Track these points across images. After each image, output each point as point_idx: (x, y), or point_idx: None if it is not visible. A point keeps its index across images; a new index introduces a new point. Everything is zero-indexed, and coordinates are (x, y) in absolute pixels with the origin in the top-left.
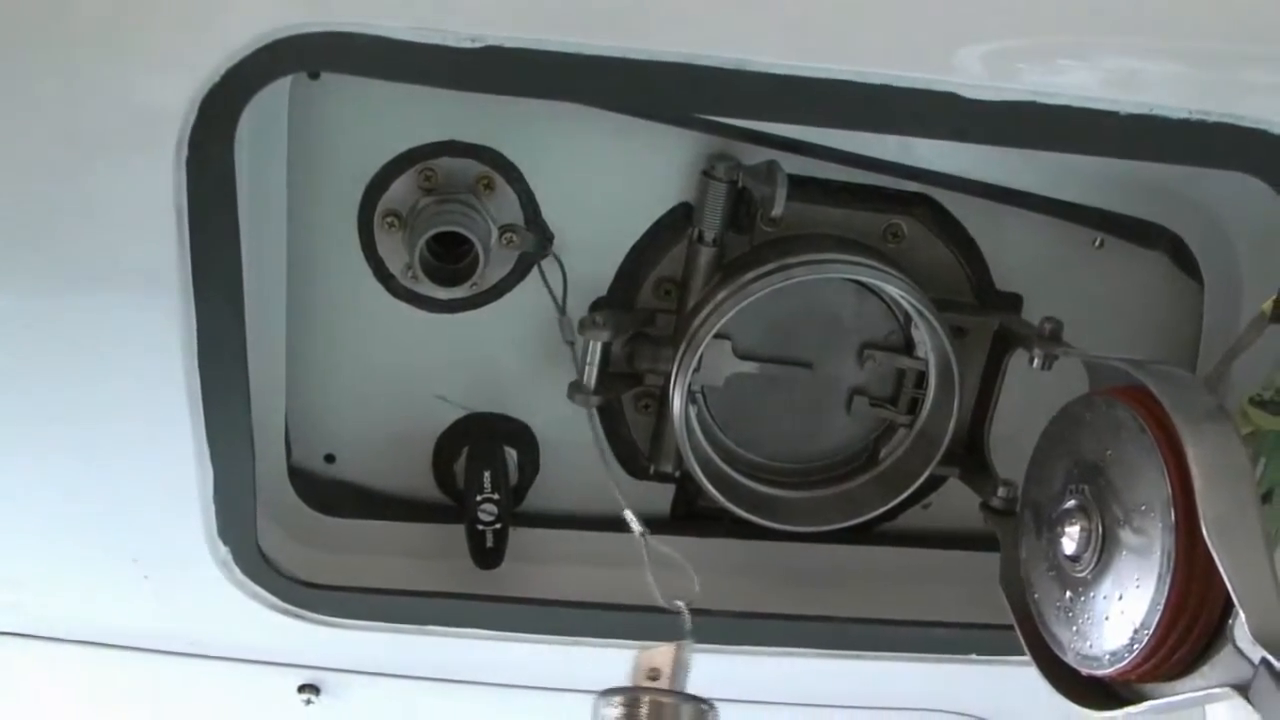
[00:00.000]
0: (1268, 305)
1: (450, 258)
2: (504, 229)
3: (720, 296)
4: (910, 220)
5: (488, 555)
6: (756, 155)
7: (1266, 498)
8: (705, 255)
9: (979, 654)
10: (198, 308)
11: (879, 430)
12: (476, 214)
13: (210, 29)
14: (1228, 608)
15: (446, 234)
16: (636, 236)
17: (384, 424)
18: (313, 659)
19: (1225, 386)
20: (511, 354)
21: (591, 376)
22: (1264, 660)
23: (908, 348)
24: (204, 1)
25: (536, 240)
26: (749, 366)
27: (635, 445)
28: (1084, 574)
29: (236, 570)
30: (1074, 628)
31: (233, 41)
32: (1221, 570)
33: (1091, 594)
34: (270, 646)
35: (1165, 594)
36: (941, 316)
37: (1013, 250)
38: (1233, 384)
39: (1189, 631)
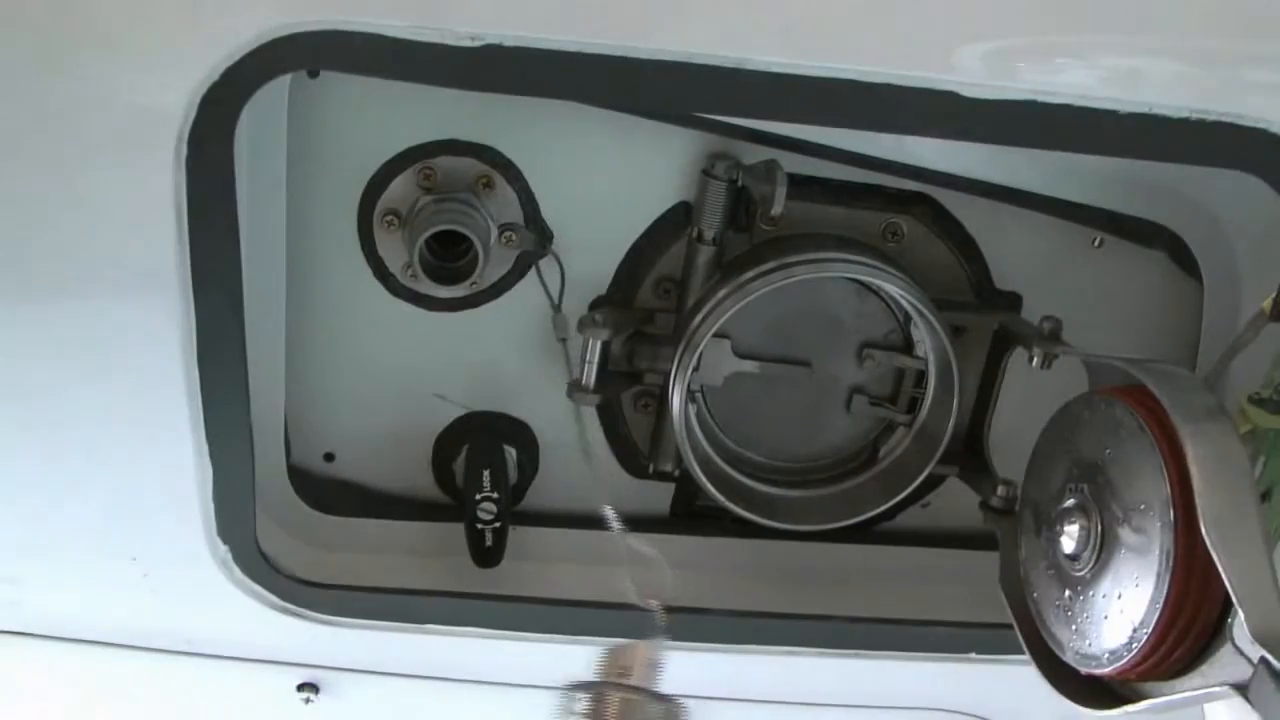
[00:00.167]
0: (1267, 303)
1: (450, 256)
2: (503, 228)
3: (720, 295)
4: (910, 219)
5: (487, 554)
6: (756, 154)
7: (1265, 496)
8: (705, 254)
9: (978, 653)
10: (197, 306)
11: (878, 429)
12: (476, 213)
13: (210, 27)
14: (1227, 607)
15: (446, 233)
16: (636, 235)
17: (383, 423)
18: (312, 658)
19: (1224, 385)
20: (511, 353)
21: (591, 375)
22: (1263, 659)
23: (907, 347)
24: (203, 0)
25: (536, 239)
26: (748, 365)
27: (635, 444)
28: (1083, 573)
29: (236, 569)
30: (1073, 627)
31: (232, 40)
32: (1220, 569)
33: (1091, 593)
34: (269, 645)
35: (1164, 593)
36: (941, 316)
37: (1012, 249)
38: (1231, 382)
39: (1188, 630)
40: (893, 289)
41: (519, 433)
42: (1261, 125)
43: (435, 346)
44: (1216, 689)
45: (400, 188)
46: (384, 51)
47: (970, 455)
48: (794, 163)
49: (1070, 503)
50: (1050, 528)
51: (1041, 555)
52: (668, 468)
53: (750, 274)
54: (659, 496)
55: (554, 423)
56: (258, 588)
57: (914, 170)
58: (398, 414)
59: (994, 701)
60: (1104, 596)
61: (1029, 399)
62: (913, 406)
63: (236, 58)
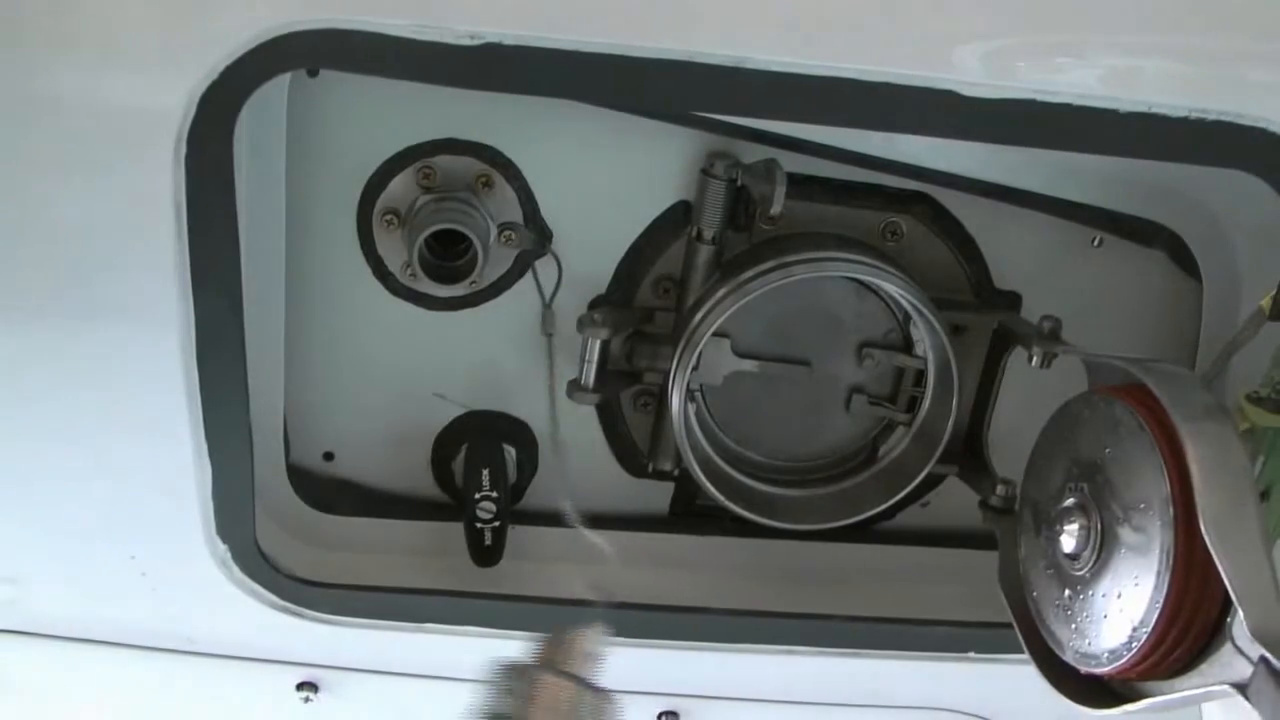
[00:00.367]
0: (1266, 301)
1: (449, 256)
2: (503, 227)
3: (719, 294)
4: (909, 219)
5: (486, 553)
6: (755, 153)
7: (1264, 495)
8: (704, 253)
9: (978, 652)
10: (196, 305)
11: (878, 428)
12: (475, 212)
13: (209, 26)
14: (1226, 606)
15: (445, 232)
16: (635, 234)
17: (383, 422)
18: (311, 657)
19: (1222, 383)
20: (510, 352)
21: (590, 375)
22: (1262, 658)
23: (907, 346)
24: None
25: (535, 238)
26: (748, 365)
27: (634, 444)
28: (1083, 572)
29: (235, 568)
30: (1073, 626)
31: (231, 39)
32: (1220, 568)
33: (1090, 592)
34: (268, 644)
35: (1164, 592)
36: (940, 315)
37: (1012, 249)
38: (1230, 381)
39: (1187, 629)
40: (892, 288)
41: (518, 432)
42: (1261, 124)
43: (434, 346)
44: (1216, 688)
45: (399, 187)
46: (383, 50)
47: (969, 454)
48: (794, 162)
49: (1070, 502)
50: (1050, 527)
51: (1041, 554)
52: (667, 467)
53: (750, 273)
54: (658, 496)
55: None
56: (257, 587)
57: (914, 170)
58: (397, 413)
59: (994, 701)
60: (1103, 595)
61: (1028, 398)
62: (912, 406)
63: (236, 57)
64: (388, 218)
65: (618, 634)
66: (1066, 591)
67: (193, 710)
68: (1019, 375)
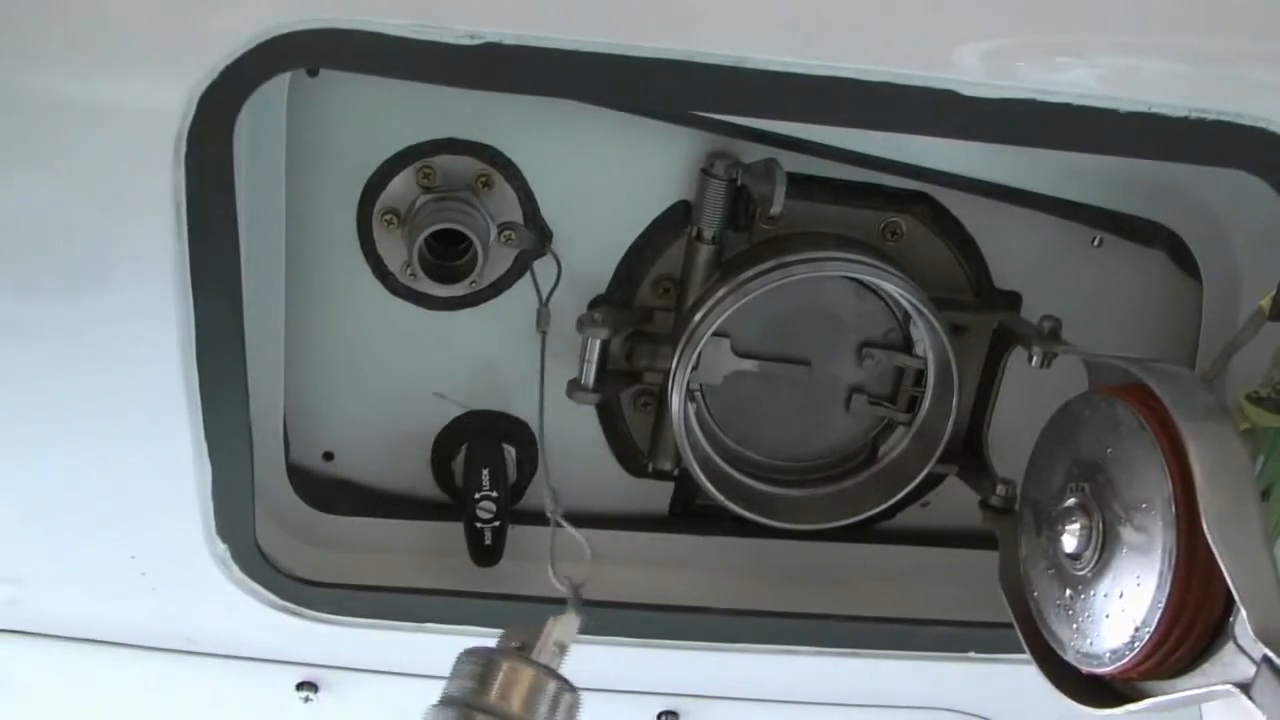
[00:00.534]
0: (1266, 302)
1: (449, 255)
2: (503, 227)
3: (719, 294)
4: (909, 218)
5: (486, 553)
6: (755, 153)
7: (1265, 495)
8: (704, 253)
9: (978, 652)
10: (196, 304)
11: (878, 428)
12: (475, 212)
13: (209, 26)
14: (1228, 605)
15: (445, 231)
16: (635, 234)
17: (383, 421)
18: (311, 657)
19: (1222, 383)
20: (510, 351)
21: (590, 374)
22: (1265, 658)
23: (906, 346)
24: None
25: (535, 238)
26: (748, 364)
27: (634, 443)
28: (1084, 572)
29: (235, 568)
30: (1074, 626)
31: (231, 38)
32: (1223, 568)
33: (1092, 592)
34: (268, 644)
35: (1167, 592)
36: (940, 315)
37: (1012, 248)
38: (1229, 381)
39: (1190, 629)
40: (892, 288)
41: (518, 432)
42: (1261, 124)
43: (434, 345)
44: (1219, 688)
45: (399, 186)
46: (383, 50)
47: (969, 454)
48: (793, 162)
49: (1071, 502)
50: (1051, 527)
51: (1042, 554)
52: (667, 466)
53: (750, 273)
54: (658, 496)
55: (553, 421)
56: (257, 586)
57: (913, 169)
58: (397, 413)
59: (994, 701)
60: (1105, 595)
61: (1028, 398)
62: (912, 405)
63: (235, 56)
64: (387, 217)
65: (618, 634)
66: (1068, 591)
67: (193, 710)
68: (1019, 375)
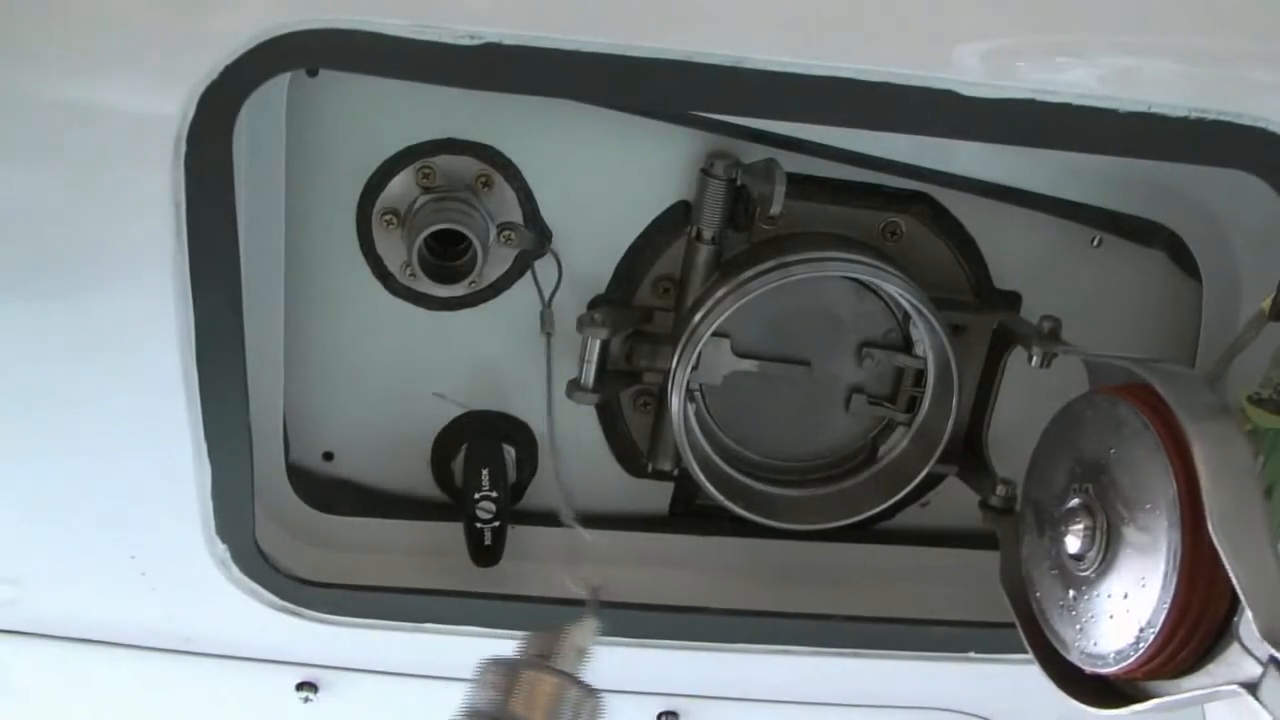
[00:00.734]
0: (1266, 303)
1: (448, 255)
2: (502, 227)
3: (719, 294)
4: (909, 218)
5: (486, 553)
6: (755, 153)
7: (1266, 494)
8: (704, 253)
9: (978, 652)
10: (196, 304)
11: (877, 428)
12: (475, 212)
13: (208, 26)
14: (1233, 605)
15: (445, 232)
16: (635, 234)
17: (382, 421)
18: (311, 657)
19: (1223, 384)
20: (510, 352)
21: (589, 375)
22: (1272, 658)
23: (906, 346)
24: None
25: (535, 238)
26: (748, 364)
27: (634, 443)
28: (1088, 572)
29: (234, 568)
30: (1078, 626)
31: (231, 39)
32: (1228, 568)
33: (1096, 592)
34: (268, 644)
35: (1171, 592)
36: (940, 315)
37: (1011, 248)
38: (1230, 382)
39: (1195, 629)
40: (892, 288)
41: (518, 432)
42: (1260, 124)
43: (434, 345)
44: (1224, 688)
45: (399, 187)
46: (383, 50)
47: (969, 454)
48: (793, 162)
49: (1074, 503)
50: (1054, 527)
51: (1044, 555)
52: (667, 467)
53: (749, 273)
54: (658, 495)
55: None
56: (256, 587)
57: (913, 169)
58: (397, 413)
59: (994, 701)
60: (1109, 596)
61: (1028, 398)
62: (912, 406)
63: (235, 56)
64: (387, 218)
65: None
66: (1071, 592)
67: (192, 711)
68: (1019, 375)
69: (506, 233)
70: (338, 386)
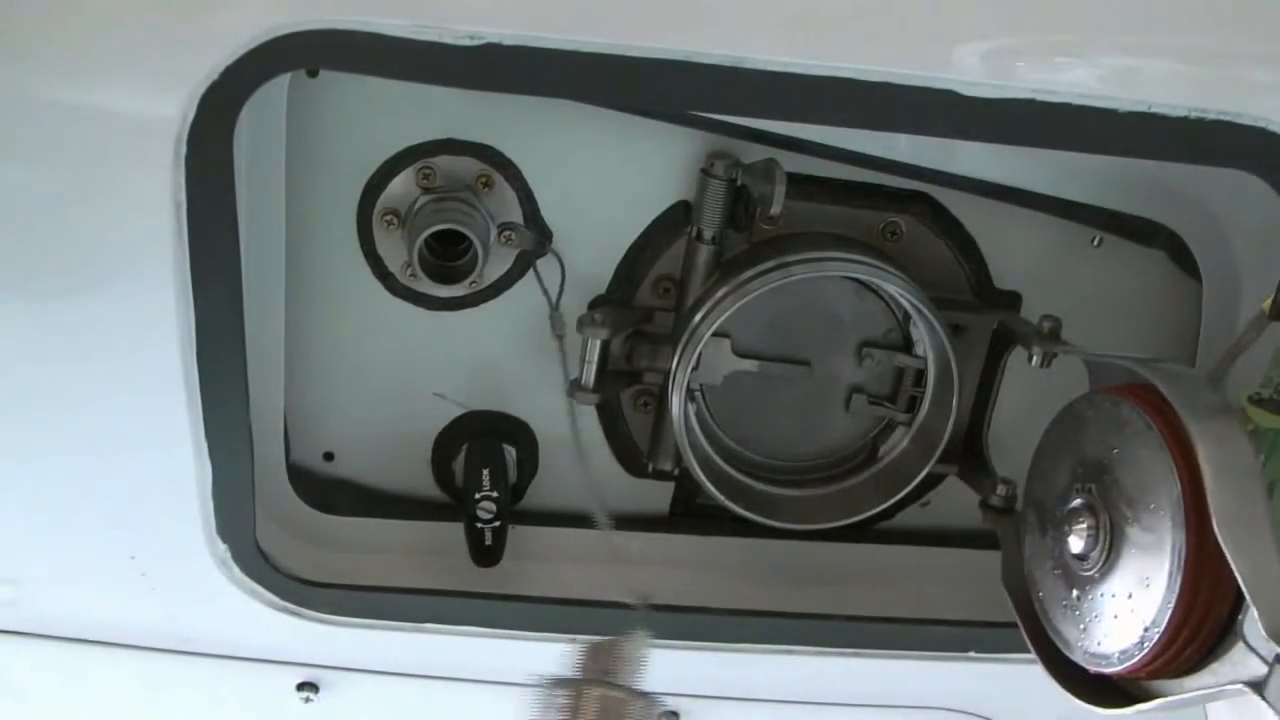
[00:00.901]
0: (1266, 303)
1: (449, 256)
2: (503, 227)
3: (719, 294)
4: (909, 218)
5: (486, 553)
6: (755, 153)
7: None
8: (704, 253)
9: (978, 652)
10: (196, 304)
11: (878, 428)
12: (475, 212)
13: (209, 27)
14: (1237, 604)
15: (445, 232)
16: (635, 234)
17: (383, 422)
18: (311, 657)
19: (1224, 385)
20: (510, 352)
21: (590, 375)
22: (1278, 656)
23: (906, 346)
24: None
25: (535, 238)
26: (748, 364)
27: (634, 443)
28: (1091, 572)
29: (235, 568)
30: (1081, 626)
31: (231, 39)
32: (1233, 567)
33: (1099, 592)
34: (269, 644)
35: (1176, 592)
36: (940, 314)
37: (1012, 248)
38: (1230, 382)
39: (1199, 629)
40: (892, 288)
41: (518, 432)
42: (1260, 124)
43: (435, 345)
44: (1229, 687)
45: (399, 187)
46: (383, 51)
47: (969, 454)
48: (793, 162)
49: (1077, 502)
50: (1057, 527)
51: (1047, 555)
52: (667, 467)
53: (749, 273)
54: (658, 495)
55: (553, 421)
56: (257, 587)
57: (914, 170)
58: (397, 413)
59: (994, 700)
60: (1113, 596)
61: (1028, 398)
62: (912, 405)
63: (236, 57)
64: (388, 218)
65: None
66: (1074, 592)
67: (193, 711)
68: (1019, 375)
69: (507, 233)
70: (338, 386)
